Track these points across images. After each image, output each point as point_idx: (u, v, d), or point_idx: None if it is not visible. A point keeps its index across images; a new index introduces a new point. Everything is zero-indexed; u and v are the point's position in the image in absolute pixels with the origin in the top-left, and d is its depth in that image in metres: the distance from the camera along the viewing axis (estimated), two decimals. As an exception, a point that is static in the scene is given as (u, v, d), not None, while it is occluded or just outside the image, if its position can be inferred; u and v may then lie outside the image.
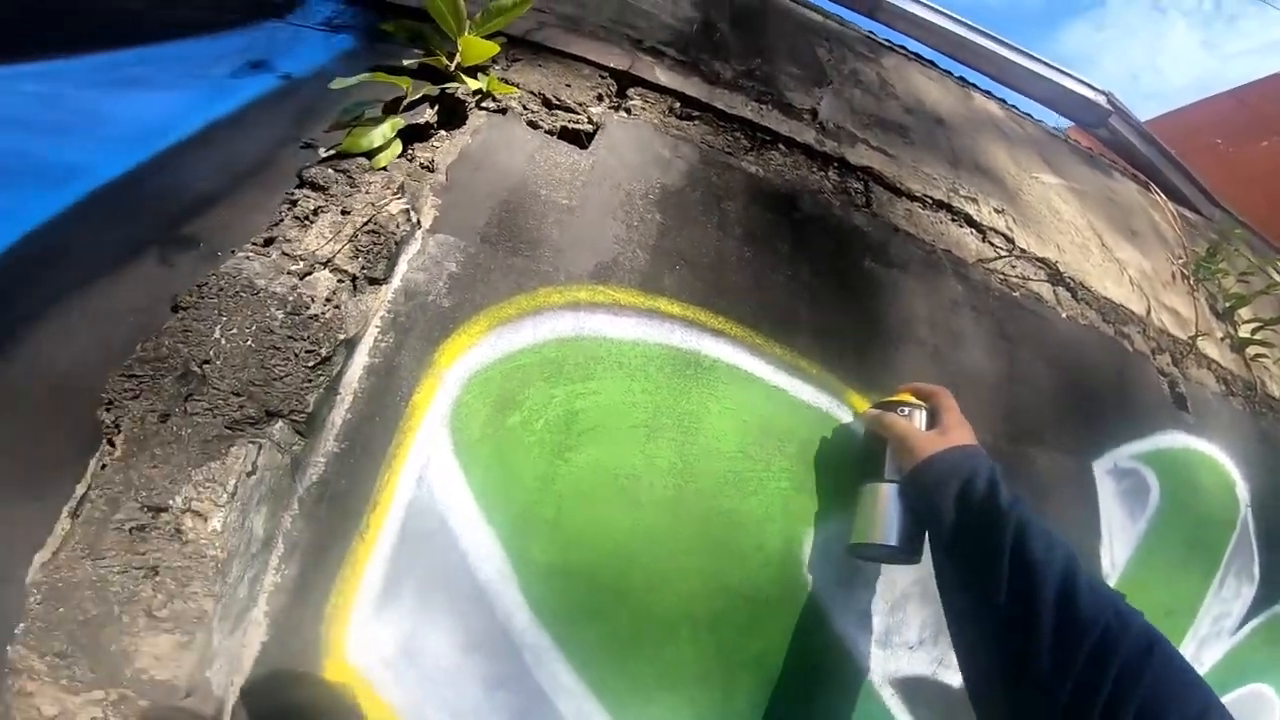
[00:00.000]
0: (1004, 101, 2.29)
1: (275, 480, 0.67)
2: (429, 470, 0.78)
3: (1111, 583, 1.27)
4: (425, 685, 0.70)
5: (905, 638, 0.97)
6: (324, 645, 0.68)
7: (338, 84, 0.96)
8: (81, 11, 1.23)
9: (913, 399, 0.92)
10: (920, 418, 0.90)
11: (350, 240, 0.85)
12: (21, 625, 0.55)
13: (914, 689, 0.96)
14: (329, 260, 0.81)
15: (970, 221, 1.46)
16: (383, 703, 0.69)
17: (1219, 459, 1.60)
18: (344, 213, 0.88)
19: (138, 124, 1.00)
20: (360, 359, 0.82)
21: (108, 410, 0.63)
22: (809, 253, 1.16)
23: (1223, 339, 1.84)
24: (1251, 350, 1.89)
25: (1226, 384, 1.74)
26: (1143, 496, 1.36)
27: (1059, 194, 1.84)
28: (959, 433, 0.85)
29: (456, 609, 0.73)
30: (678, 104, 1.35)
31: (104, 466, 0.62)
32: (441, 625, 0.72)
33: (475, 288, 0.91)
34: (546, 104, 1.23)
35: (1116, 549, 1.29)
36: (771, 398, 0.96)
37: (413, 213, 0.93)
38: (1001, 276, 1.38)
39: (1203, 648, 1.48)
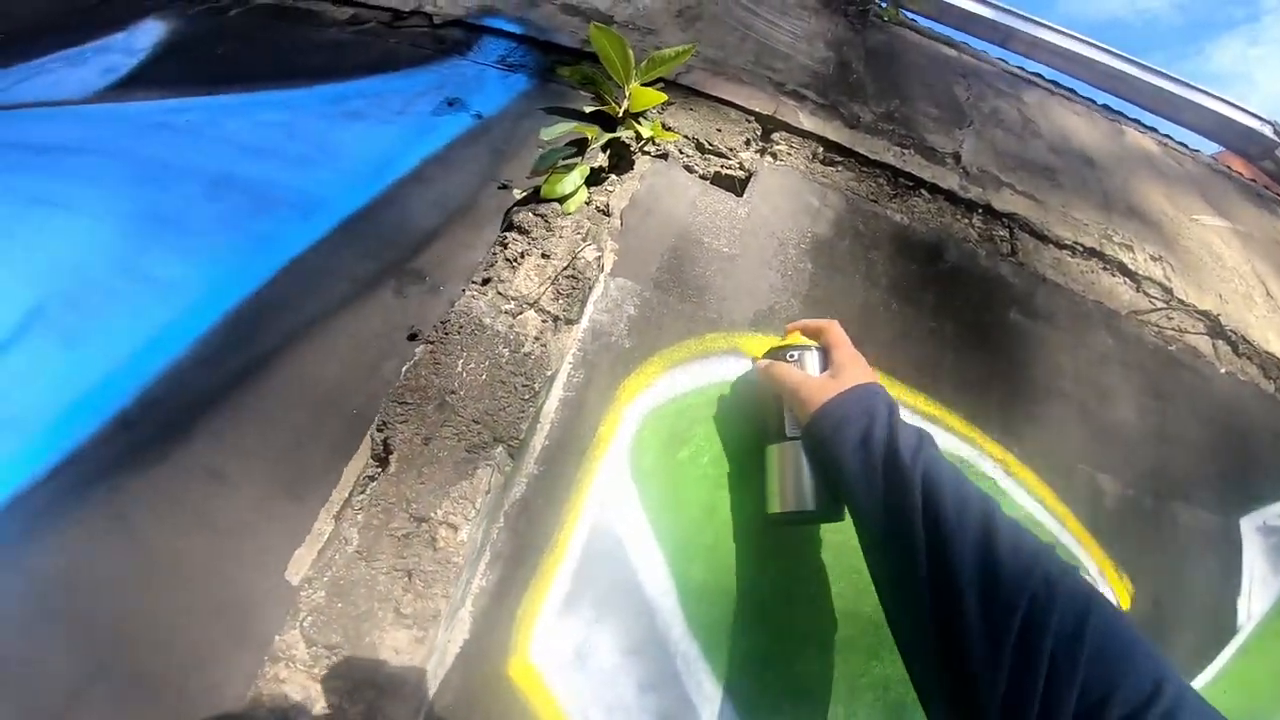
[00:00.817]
0: (1156, 132, 2.19)
1: (494, 497, 0.82)
2: (609, 495, 0.91)
3: (1243, 635, 1.24)
4: (590, 685, 0.82)
5: None
6: (512, 644, 0.81)
7: (547, 134, 1.10)
8: (299, 40, 1.44)
9: (801, 339, 0.89)
10: (813, 360, 0.87)
11: (553, 283, 0.99)
12: (300, 616, 0.68)
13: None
14: (536, 301, 0.95)
15: (1124, 270, 1.45)
16: (551, 698, 0.81)
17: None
18: (544, 256, 1.02)
19: (366, 157, 1.17)
20: (557, 392, 0.95)
21: (380, 431, 0.79)
22: (953, 304, 1.21)
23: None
24: None
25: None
26: (1289, 552, 1.32)
27: (1221, 237, 1.77)
28: (851, 372, 0.80)
29: (624, 619, 0.85)
30: (821, 149, 1.43)
31: (372, 479, 0.78)
32: (610, 632, 0.84)
33: (650, 331, 1.03)
34: (699, 148, 1.34)
35: (1255, 601, 1.27)
36: None
37: (602, 259, 1.05)
38: (1156, 329, 1.37)
39: None
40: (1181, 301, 1.45)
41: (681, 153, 1.32)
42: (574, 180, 1.09)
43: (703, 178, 1.28)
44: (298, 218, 1.08)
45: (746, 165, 1.32)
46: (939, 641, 0.60)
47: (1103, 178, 1.73)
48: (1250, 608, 1.26)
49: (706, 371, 1.01)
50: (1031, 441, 1.10)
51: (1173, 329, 1.39)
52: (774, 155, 1.39)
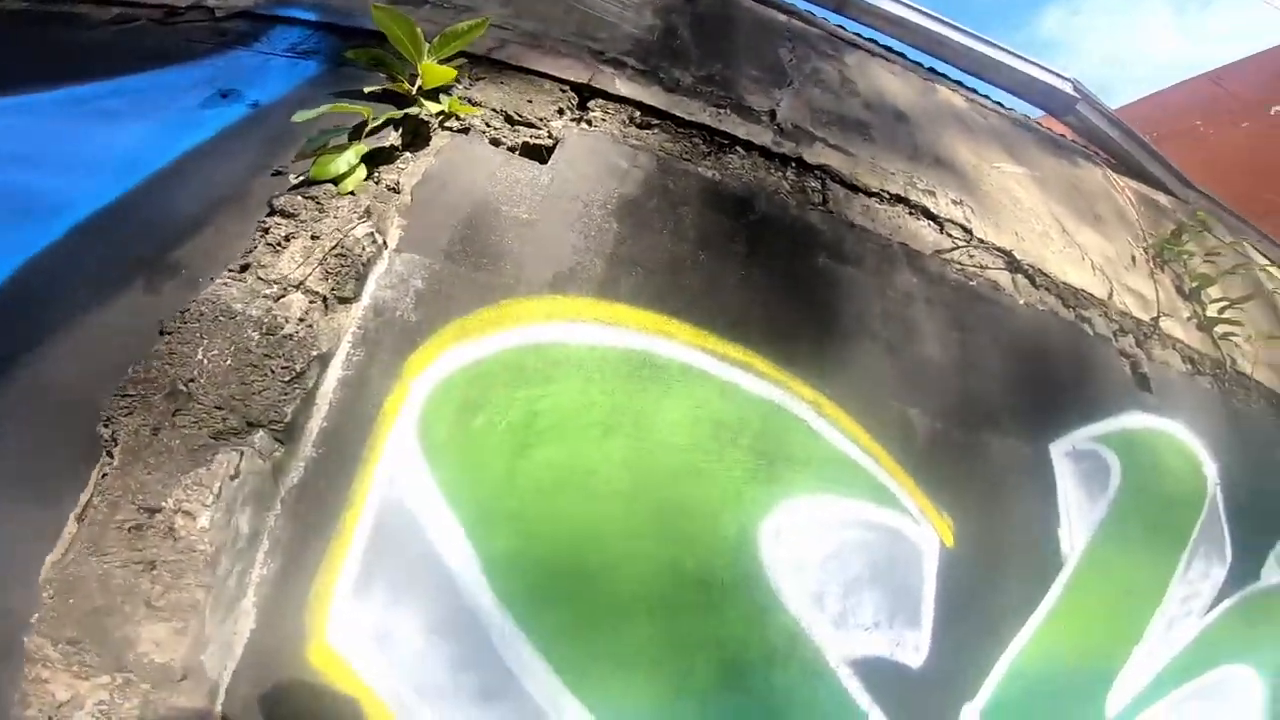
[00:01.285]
0: (974, 92, 2.37)
1: (258, 483, 0.76)
2: (399, 471, 0.86)
3: (1070, 566, 1.35)
4: (397, 667, 0.79)
5: (861, 620, 1.06)
6: (306, 631, 0.77)
7: (299, 117, 1.05)
8: (50, 43, 1.32)
9: None
10: None
11: (320, 263, 0.94)
12: (36, 616, 0.64)
13: (871, 670, 1.05)
14: (301, 283, 0.90)
15: (927, 214, 1.54)
16: (361, 682, 0.78)
17: (1184, 439, 1.67)
18: (314, 238, 0.97)
19: (115, 156, 1.09)
20: (334, 372, 0.91)
21: (105, 426, 0.72)
22: (763, 254, 1.24)
23: (1189, 319, 1.92)
24: (1220, 329, 1.96)
25: (1193, 363, 1.82)
26: (1103, 478, 1.44)
27: (1020, 182, 1.92)
28: None
29: (425, 596, 0.82)
30: (637, 113, 1.44)
31: (104, 475, 0.71)
32: (412, 611, 0.81)
33: (439, 303, 0.99)
34: (509, 120, 1.31)
35: (1075, 532, 1.37)
36: (724, 394, 1.05)
37: (378, 234, 1.01)
38: (958, 266, 1.46)
39: (1172, 628, 1.55)
40: (981, 240, 1.56)
41: (489, 126, 1.29)
42: (348, 160, 1.05)
43: (511, 149, 1.26)
44: (33, 221, 0.99)
45: (555, 134, 1.31)
46: None
47: (913, 131, 1.84)
48: (1072, 540, 1.36)
49: (503, 339, 0.98)
50: (843, 382, 1.14)
51: (974, 265, 1.49)
52: (589, 123, 1.38)
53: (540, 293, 1.05)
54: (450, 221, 1.08)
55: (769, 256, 1.24)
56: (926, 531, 1.13)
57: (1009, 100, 2.62)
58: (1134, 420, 1.55)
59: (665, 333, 1.07)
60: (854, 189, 1.51)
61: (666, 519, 0.94)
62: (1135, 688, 1.46)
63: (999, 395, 1.32)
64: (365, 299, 0.97)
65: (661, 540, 0.93)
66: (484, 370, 0.95)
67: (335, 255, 0.96)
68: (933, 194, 1.61)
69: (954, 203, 1.63)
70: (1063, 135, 2.65)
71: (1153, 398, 1.62)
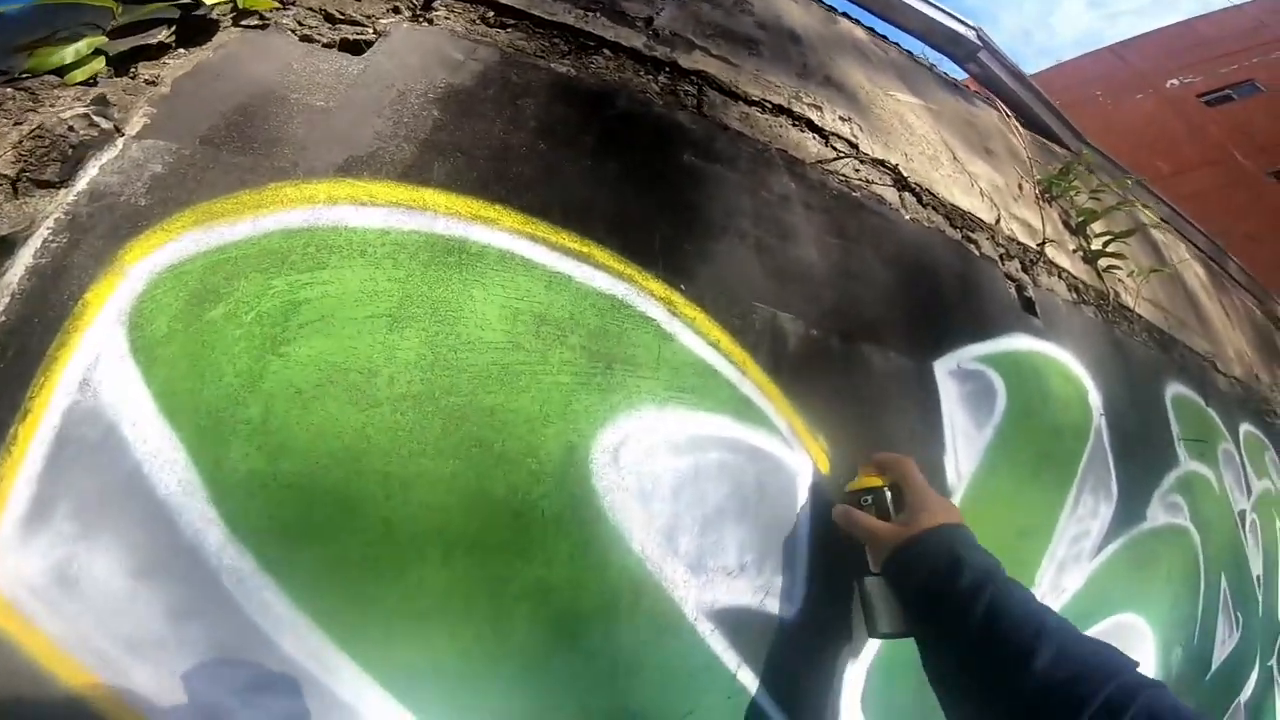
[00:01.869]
0: (872, 30, 2.25)
1: None
2: (96, 372, 0.63)
3: (958, 496, 1.22)
4: (90, 615, 0.57)
5: (724, 562, 0.88)
6: None
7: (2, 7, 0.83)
8: None
9: (871, 480, 0.94)
10: (885, 500, 0.92)
11: (14, 147, 0.75)
12: None
13: (736, 622, 0.87)
14: None
15: (811, 126, 1.39)
16: (41, 635, 0.56)
17: (1070, 365, 1.60)
18: (16, 124, 0.78)
19: None
20: (24, 260, 0.68)
21: None
22: (618, 146, 1.06)
23: (1074, 250, 1.87)
24: (1104, 262, 1.93)
25: (1078, 292, 1.76)
26: (989, 401, 1.33)
27: (913, 111, 1.81)
28: (923, 515, 0.86)
29: (127, 529, 0.60)
30: (491, 13, 1.22)
31: None
32: (107, 548, 0.59)
33: (182, 186, 0.77)
34: (328, 18, 1.09)
35: (962, 459, 1.24)
36: (553, 285, 0.85)
37: (101, 119, 0.82)
38: (842, 178, 1.32)
39: (1062, 573, 1.44)
40: (869, 155, 1.42)
41: (301, 24, 1.05)
42: (77, 50, 0.84)
43: (328, 45, 1.03)
44: None
45: (381, 29, 1.08)
46: None
47: (805, 53, 1.69)
48: (959, 467, 1.23)
49: (263, 223, 0.76)
50: (702, 280, 0.97)
51: (859, 179, 1.36)
52: (429, 21, 1.15)
53: (322, 177, 0.82)
54: (219, 109, 0.85)
55: (624, 149, 1.05)
56: (799, 455, 0.96)
57: (914, 47, 2.53)
58: (1020, 343, 1.46)
59: (484, 218, 0.86)
60: (733, 96, 1.34)
61: (470, 432, 0.73)
62: None
63: (881, 307, 1.18)
64: (80, 184, 0.75)
65: (463, 459, 0.72)
66: (231, 255, 0.73)
67: (33, 138, 0.75)
68: (819, 109, 1.47)
69: (841, 119, 1.49)
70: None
71: (1039, 322, 1.53)
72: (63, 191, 0.74)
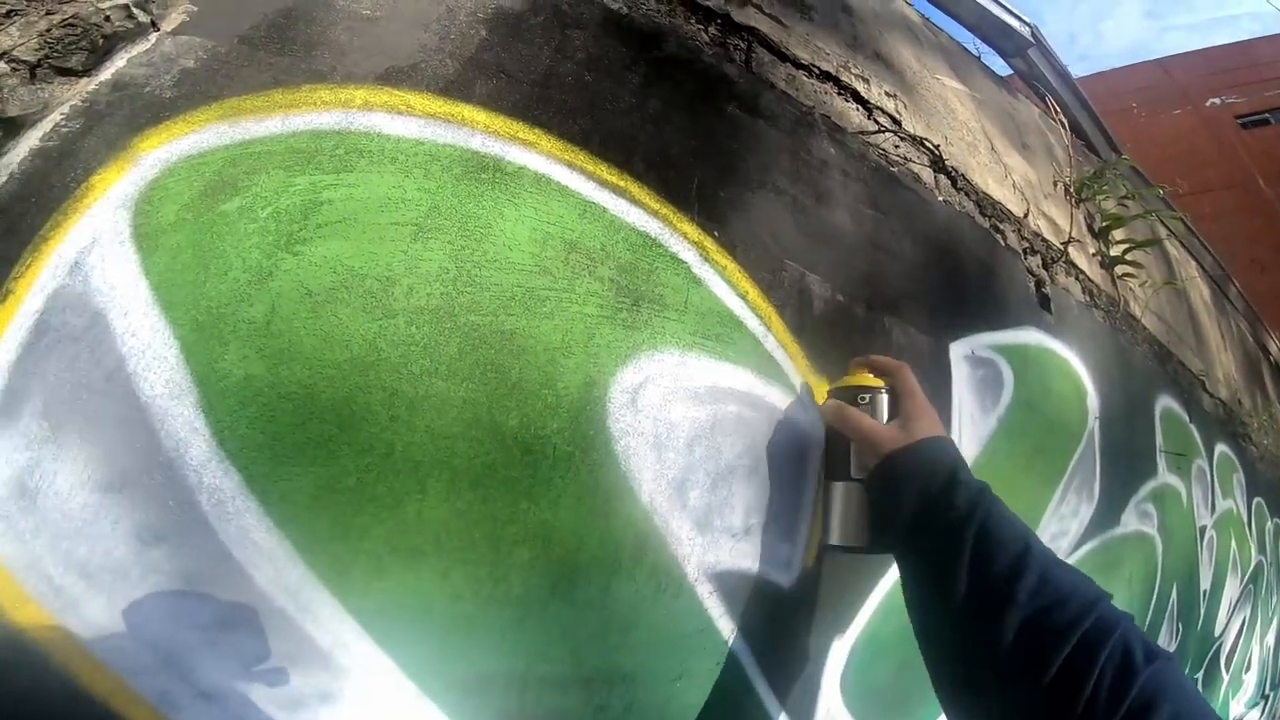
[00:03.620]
0: (924, 16, 2.08)
1: None
2: (91, 255, 0.54)
3: None
4: (47, 535, 0.48)
5: (729, 522, 0.79)
6: None
7: None
8: None
9: (870, 379, 0.81)
10: (882, 405, 0.80)
11: (40, 35, 0.65)
12: None
13: (735, 587, 0.79)
14: (7, 51, 0.60)
15: (857, 97, 1.26)
16: None
17: (1074, 365, 1.51)
18: (48, 13, 0.66)
19: None
20: (29, 142, 0.58)
21: None
22: (663, 88, 0.94)
23: (1094, 254, 1.75)
24: (1120, 270, 1.82)
25: (1091, 295, 1.65)
26: (997, 390, 1.23)
27: (958, 97, 1.67)
28: (918, 424, 0.75)
29: (101, 434, 0.50)
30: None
31: None
32: (75, 456, 0.49)
33: (214, 81, 0.66)
34: None
35: (966, 443, 1.16)
36: (587, 214, 0.75)
37: (140, 11, 0.70)
38: (881, 151, 1.20)
39: None
40: (910, 134, 1.30)
41: None
42: None
43: None
44: None
45: None
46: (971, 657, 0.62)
47: (856, 25, 1.54)
48: (963, 450, 1.15)
49: (292, 120, 0.65)
50: (735, 229, 0.86)
51: (898, 156, 1.24)
52: None
53: (362, 83, 0.72)
54: (262, 10, 0.73)
55: (669, 91, 0.93)
56: (814, 419, 0.87)
57: (962, 37, 2.35)
58: (1032, 337, 1.36)
59: (523, 140, 0.75)
60: (781, 57, 1.20)
61: (487, 356, 0.64)
62: None
63: (906, 282, 1.08)
64: (104, 75, 0.64)
65: (477, 384, 0.63)
66: (255, 150, 0.63)
67: (63, 27, 0.65)
68: (866, 81, 1.33)
69: (887, 95, 1.36)
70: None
71: (1051, 319, 1.43)
72: (84, 80, 0.64)
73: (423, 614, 0.59)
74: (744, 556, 0.79)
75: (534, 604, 0.64)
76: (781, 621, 0.83)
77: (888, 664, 0.98)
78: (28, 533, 0.49)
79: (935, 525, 0.68)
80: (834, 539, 0.79)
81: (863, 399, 0.79)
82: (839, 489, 0.80)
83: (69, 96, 0.63)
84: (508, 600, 0.63)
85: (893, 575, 1.01)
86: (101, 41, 0.67)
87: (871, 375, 0.81)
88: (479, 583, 0.61)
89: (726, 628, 0.77)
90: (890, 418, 0.78)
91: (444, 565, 0.60)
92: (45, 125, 0.60)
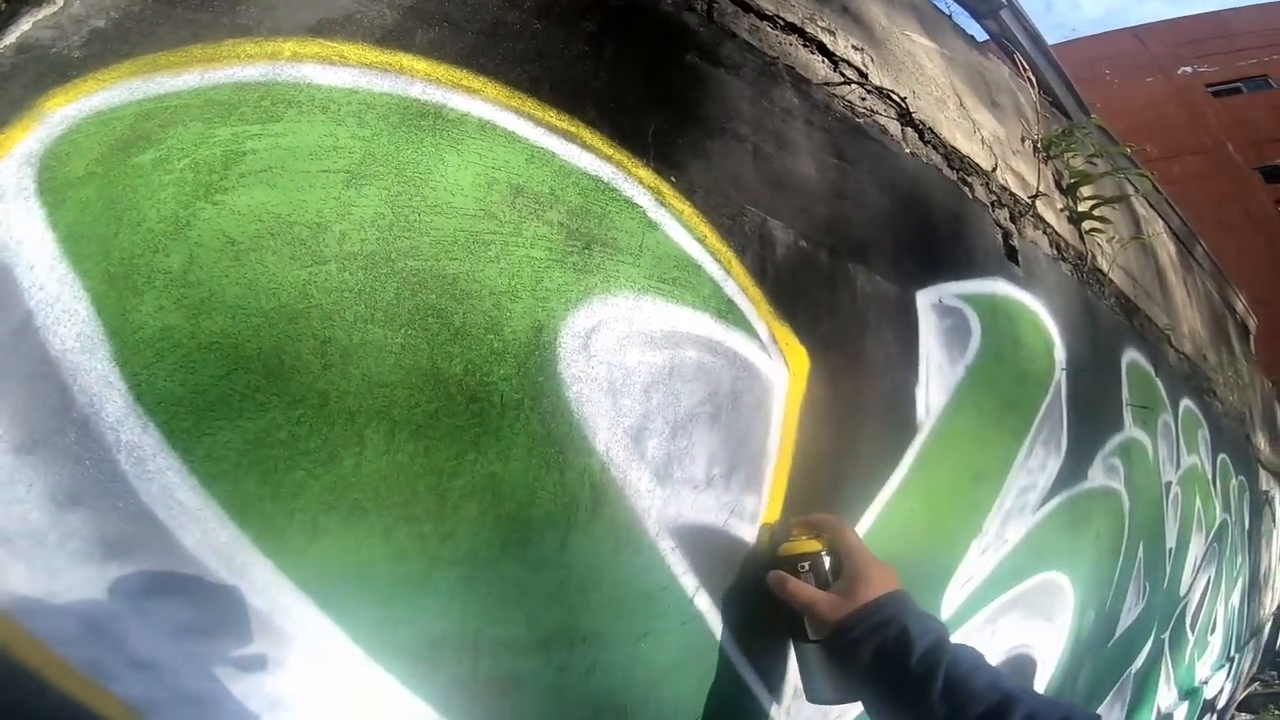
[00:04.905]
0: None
1: None
2: (-6, 211, 0.49)
3: (925, 430, 1.09)
4: None
5: (691, 473, 0.74)
6: None
7: None
8: None
9: (808, 544, 0.78)
10: (823, 567, 0.77)
11: None
12: None
13: (698, 541, 0.74)
14: None
15: (822, 49, 1.19)
16: None
17: (1041, 316, 1.46)
18: None
19: None
20: None
21: None
22: (618, 36, 0.87)
23: (1062, 210, 1.70)
24: (1088, 225, 1.77)
25: (1059, 249, 1.60)
26: (964, 339, 1.18)
27: (928, 54, 1.59)
28: (865, 585, 0.72)
29: (10, 392, 0.45)
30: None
31: None
32: None
33: (126, 40, 0.58)
34: None
35: (933, 392, 1.11)
36: (535, 159, 0.68)
37: None
38: (847, 103, 1.13)
39: (1006, 523, 1.30)
40: (876, 86, 1.23)
41: None
42: None
43: None
44: None
45: None
46: None
47: (821, -18, 1.46)
48: (929, 402, 1.10)
49: (212, 74, 0.59)
50: (695, 174, 0.80)
51: (864, 108, 1.17)
52: None
53: (289, 35, 0.65)
54: None
55: (624, 40, 0.86)
56: (777, 365, 0.82)
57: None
58: (999, 288, 1.31)
59: (467, 88, 0.69)
60: (745, 7, 1.13)
61: (428, 300, 0.59)
62: (966, 590, 1.20)
63: (871, 230, 1.02)
64: (8, 39, 0.57)
65: (417, 329, 0.58)
66: (170, 104, 0.56)
67: None
68: (832, 34, 1.26)
69: (854, 48, 1.28)
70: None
71: (1019, 271, 1.38)
72: None
73: (365, 575, 0.54)
74: (707, 509, 0.75)
75: (484, 562, 0.59)
76: (748, 578, 0.79)
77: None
78: (-62, 497, 0.44)
79: (899, 688, 0.66)
80: (821, 696, 0.77)
81: (803, 567, 0.76)
82: (802, 649, 0.78)
83: (-36, 63, 0.56)
84: (455, 559, 0.58)
85: (868, 517, 0.98)
86: (4, 6, 0.60)
87: (808, 538, 0.78)
88: (424, 540, 0.56)
89: (691, 584, 0.73)
90: (835, 577, 0.75)
91: (386, 522, 0.55)
92: (-57, 92, 0.54)
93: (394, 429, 0.56)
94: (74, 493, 0.46)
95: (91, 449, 0.47)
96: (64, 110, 0.54)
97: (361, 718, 0.55)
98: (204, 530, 0.49)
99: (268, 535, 0.51)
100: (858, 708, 0.77)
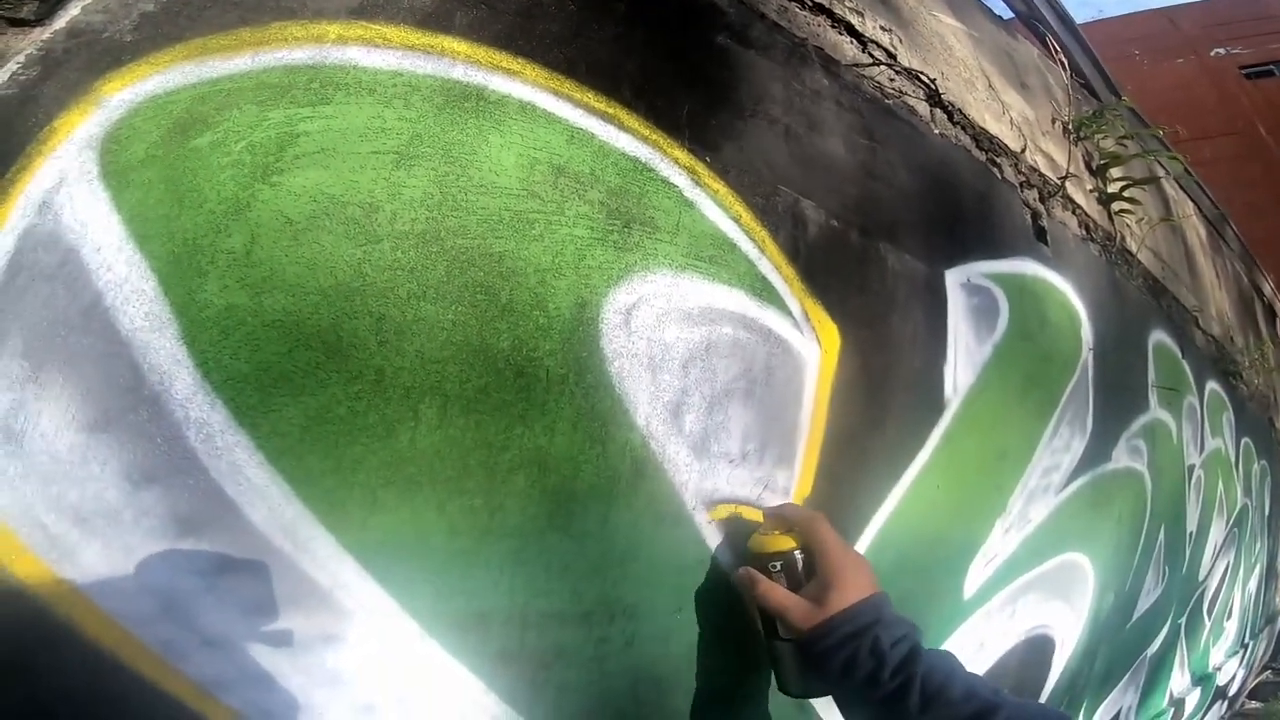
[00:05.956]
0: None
1: None
2: (59, 195, 0.49)
3: (953, 408, 1.07)
4: (36, 480, 0.44)
5: (726, 448, 0.73)
6: None
7: None
8: None
9: (781, 542, 0.72)
10: (796, 566, 0.71)
11: None
12: None
13: (733, 516, 0.74)
14: None
15: (851, 30, 1.16)
16: None
17: (1069, 296, 1.42)
18: None
19: None
20: None
21: None
22: (650, 19, 0.85)
23: (1091, 191, 1.64)
24: (1117, 206, 1.71)
25: (1088, 230, 1.55)
26: (992, 318, 1.16)
27: (955, 35, 1.54)
28: (837, 591, 0.68)
29: (82, 371, 0.46)
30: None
31: None
32: (60, 394, 0.45)
33: (176, 23, 0.58)
34: None
35: (961, 370, 1.09)
36: (575, 140, 0.68)
37: None
38: (875, 84, 1.11)
39: (1030, 503, 1.27)
40: (905, 67, 1.20)
41: None
42: None
43: None
44: None
45: None
46: None
47: (847, -39, 1.42)
48: (956, 381, 1.07)
49: (263, 57, 0.58)
50: (728, 155, 0.79)
51: (893, 89, 1.14)
52: None
53: (335, 18, 0.65)
54: None
55: (656, 22, 0.85)
56: (809, 342, 0.81)
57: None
58: (1027, 268, 1.28)
59: (506, 69, 0.68)
60: (772, -11, 1.11)
61: (476, 278, 0.59)
62: (989, 569, 1.18)
63: (901, 210, 1.00)
64: (59, 23, 0.57)
65: (467, 306, 0.58)
66: (225, 88, 0.56)
67: None
68: (860, 15, 1.22)
69: (882, 29, 1.25)
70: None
71: (1048, 251, 1.34)
72: (38, 30, 0.57)
73: (420, 549, 0.55)
74: (742, 483, 0.74)
75: (531, 535, 0.60)
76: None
77: (889, 587, 0.94)
78: (17, 478, 0.44)
79: (873, 703, 0.64)
80: (795, 690, 0.74)
81: (774, 567, 0.72)
82: (779, 646, 0.75)
83: (24, 46, 0.57)
84: (505, 532, 0.58)
85: (895, 494, 0.97)
86: (56, -11, 0.60)
87: (782, 534, 0.73)
88: (475, 514, 0.57)
89: (725, 559, 0.73)
90: (809, 577, 0.71)
91: (439, 497, 0.55)
92: (2, 75, 0.54)
93: (446, 404, 0.56)
94: (148, 470, 0.47)
95: (162, 426, 0.48)
96: (121, 94, 0.54)
97: (416, 691, 0.56)
98: (270, 506, 0.50)
99: (330, 510, 0.52)
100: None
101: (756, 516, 0.77)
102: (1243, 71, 10.35)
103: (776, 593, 0.70)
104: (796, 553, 0.72)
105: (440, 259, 0.58)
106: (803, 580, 0.71)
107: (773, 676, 0.76)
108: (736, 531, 0.75)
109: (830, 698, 0.70)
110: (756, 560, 0.74)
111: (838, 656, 0.65)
